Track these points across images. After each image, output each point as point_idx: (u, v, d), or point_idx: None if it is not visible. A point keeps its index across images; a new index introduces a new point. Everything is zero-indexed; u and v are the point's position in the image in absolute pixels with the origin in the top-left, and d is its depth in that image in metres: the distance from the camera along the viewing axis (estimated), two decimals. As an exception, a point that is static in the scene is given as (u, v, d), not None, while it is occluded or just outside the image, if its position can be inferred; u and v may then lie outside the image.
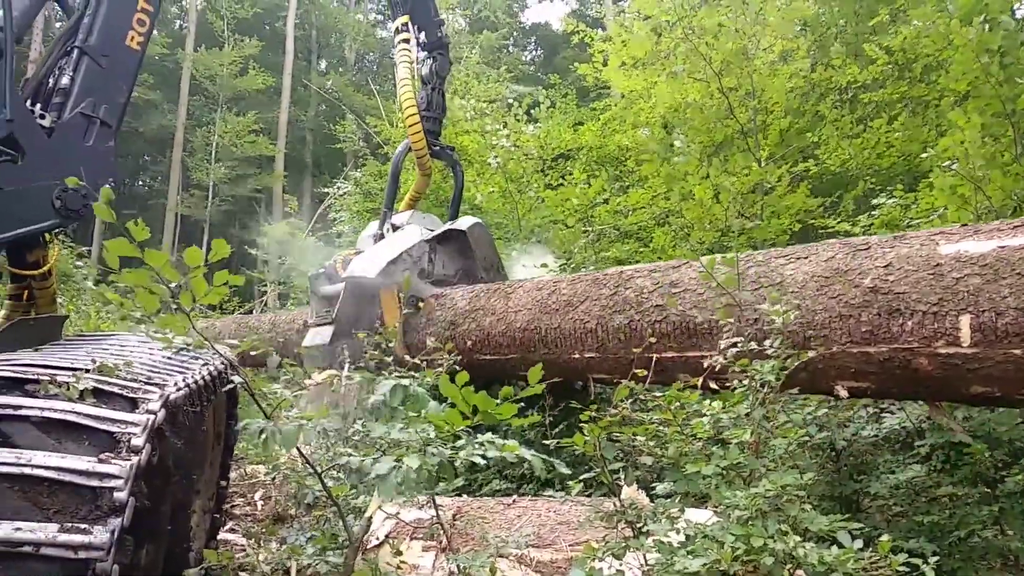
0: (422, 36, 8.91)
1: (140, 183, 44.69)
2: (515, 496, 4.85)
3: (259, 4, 37.57)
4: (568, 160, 15.33)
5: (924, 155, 7.15)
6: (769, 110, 10.10)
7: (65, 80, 4.81)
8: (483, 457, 2.85)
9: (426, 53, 8.91)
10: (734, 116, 9.74)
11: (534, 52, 47.05)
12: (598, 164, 14.18)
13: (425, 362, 5.88)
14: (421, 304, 7.27)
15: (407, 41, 8.82)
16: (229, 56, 34.38)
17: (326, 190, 24.29)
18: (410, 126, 8.59)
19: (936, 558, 2.68)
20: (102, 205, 2.80)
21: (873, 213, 7.14)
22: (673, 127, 11.81)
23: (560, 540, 3.84)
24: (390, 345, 6.16)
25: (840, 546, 2.60)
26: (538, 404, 5.97)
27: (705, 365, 3.95)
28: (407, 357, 6.19)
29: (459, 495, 5.12)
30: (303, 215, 30.56)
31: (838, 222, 7.61)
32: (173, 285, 2.75)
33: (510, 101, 16.83)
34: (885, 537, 2.63)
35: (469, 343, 6.69)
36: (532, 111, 16.89)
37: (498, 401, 2.76)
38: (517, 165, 12.83)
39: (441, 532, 3.96)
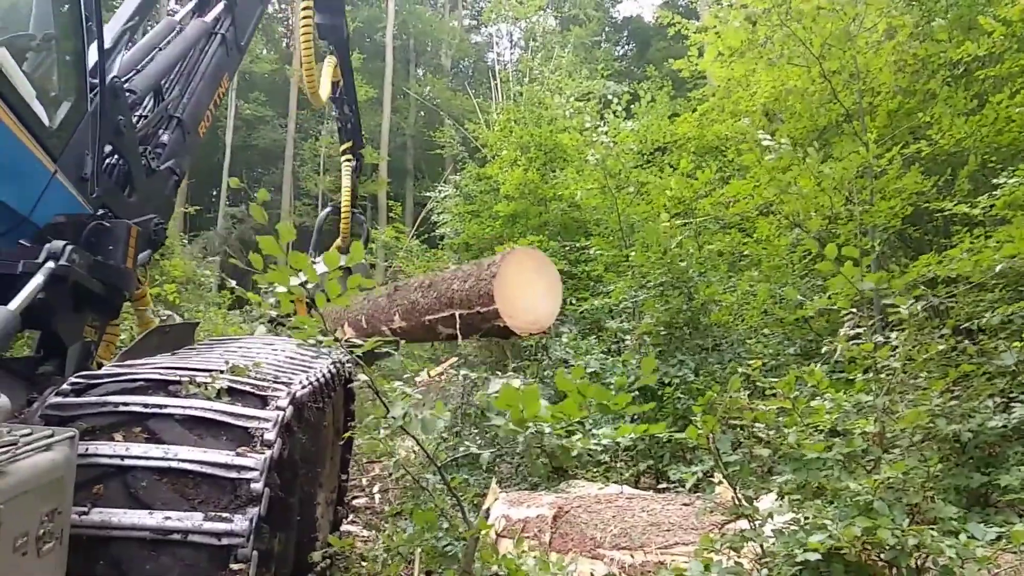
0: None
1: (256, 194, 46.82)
2: (620, 490, 4.85)
3: (359, 18, 38.62)
4: (665, 154, 15.09)
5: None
6: (876, 91, 9.65)
7: (165, 137, 5.47)
8: (599, 444, 2.89)
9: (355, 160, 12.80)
10: (838, 100, 9.36)
11: (627, 46, 46.61)
12: (698, 155, 13.91)
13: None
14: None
15: (350, 161, 12.65)
16: (333, 70, 35.40)
17: (428, 194, 24.78)
18: (345, 224, 12.81)
19: (1076, 551, 2.54)
20: (257, 206, 3.16)
21: (994, 193, 6.70)
22: (775, 115, 11.45)
23: (650, 542, 3.82)
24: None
25: (971, 536, 2.48)
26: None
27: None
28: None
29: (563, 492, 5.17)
30: (406, 220, 31.36)
31: (955, 203, 7.16)
32: (311, 286, 2.94)
33: (609, 97, 16.75)
34: (1019, 526, 2.50)
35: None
36: (631, 107, 16.73)
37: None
38: (615, 162, 12.72)
39: (546, 531, 4.03)
